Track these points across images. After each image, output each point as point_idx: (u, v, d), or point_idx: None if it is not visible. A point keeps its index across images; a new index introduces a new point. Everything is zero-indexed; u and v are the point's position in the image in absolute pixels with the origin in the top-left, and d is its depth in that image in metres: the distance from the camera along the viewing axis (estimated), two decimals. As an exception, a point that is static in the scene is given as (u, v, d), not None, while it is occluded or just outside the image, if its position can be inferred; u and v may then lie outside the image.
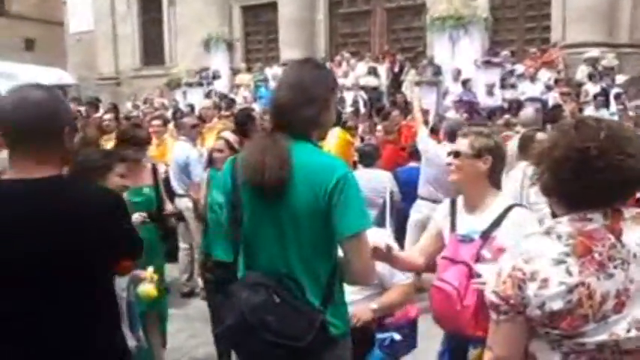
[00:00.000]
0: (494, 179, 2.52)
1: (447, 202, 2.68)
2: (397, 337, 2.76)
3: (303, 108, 1.95)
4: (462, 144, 2.52)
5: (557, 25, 13.18)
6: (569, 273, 1.46)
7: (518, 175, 4.30)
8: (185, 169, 5.63)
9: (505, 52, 13.05)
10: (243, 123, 5.64)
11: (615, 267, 1.48)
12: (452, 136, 5.36)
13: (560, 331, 1.47)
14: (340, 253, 1.96)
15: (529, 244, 1.55)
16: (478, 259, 2.31)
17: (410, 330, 2.89)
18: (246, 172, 1.93)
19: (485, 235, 2.35)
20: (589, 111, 10.15)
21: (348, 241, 1.89)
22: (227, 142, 3.87)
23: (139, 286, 2.90)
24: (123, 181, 2.84)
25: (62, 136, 1.74)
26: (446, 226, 2.57)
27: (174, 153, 5.99)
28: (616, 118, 8.71)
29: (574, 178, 1.53)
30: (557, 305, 1.45)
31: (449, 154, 2.59)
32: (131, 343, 2.69)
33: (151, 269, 2.98)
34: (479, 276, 2.25)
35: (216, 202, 3.79)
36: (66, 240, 1.64)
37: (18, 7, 26.49)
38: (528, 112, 6.66)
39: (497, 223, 2.37)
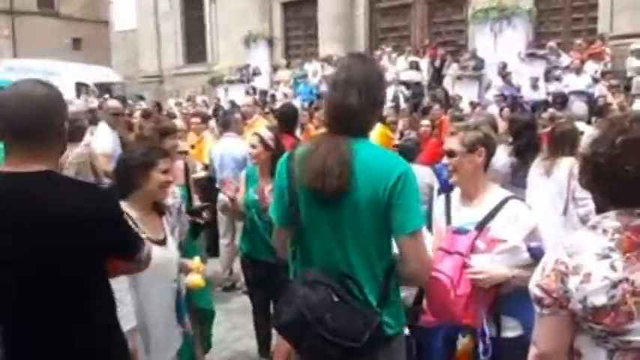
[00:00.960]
0: (486, 169, 2.54)
1: (442, 197, 2.69)
2: (406, 331, 2.75)
3: (369, 112, 1.95)
4: (453, 142, 2.50)
5: (605, 15, 12.77)
6: (613, 268, 1.43)
7: (564, 173, 4.22)
8: (242, 165, 5.53)
9: (551, 44, 12.71)
10: (293, 117, 5.69)
11: None
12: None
13: (604, 327, 1.45)
14: (395, 250, 1.95)
15: (574, 238, 1.54)
16: (473, 250, 2.33)
17: None
18: (306, 176, 1.91)
19: (480, 227, 2.36)
20: (639, 104, 9.81)
21: (406, 240, 1.88)
22: (261, 138, 3.88)
23: (186, 277, 2.95)
24: (166, 176, 2.84)
25: (61, 132, 1.76)
26: (443, 221, 2.59)
27: (227, 149, 5.97)
28: (667, 111, 8.38)
29: (595, 180, 1.53)
30: (599, 300, 1.43)
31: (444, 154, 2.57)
32: (176, 331, 2.74)
33: (197, 259, 3.02)
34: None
35: (251, 200, 3.83)
36: (47, 239, 1.65)
37: (67, 8, 27.36)
38: (579, 106, 6.48)
39: (492, 214, 2.38)
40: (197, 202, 4.20)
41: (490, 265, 2.30)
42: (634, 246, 1.45)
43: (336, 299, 1.83)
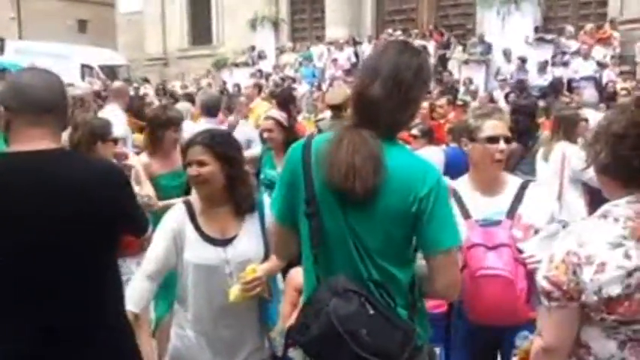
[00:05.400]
0: None
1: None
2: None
3: (399, 110, 1.71)
4: (503, 128, 2.37)
5: (615, -1, 12.60)
6: (627, 257, 1.41)
7: (558, 156, 4.30)
8: (247, 148, 5.55)
9: (569, 27, 12.53)
10: (290, 100, 5.74)
11: None
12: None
13: (617, 317, 1.43)
14: (419, 263, 1.80)
15: (583, 227, 1.51)
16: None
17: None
18: (331, 174, 1.67)
19: (511, 214, 2.26)
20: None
21: (440, 257, 1.70)
22: (277, 121, 3.84)
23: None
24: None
25: (66, 113, 1.84)
26: (458, 216, 2.35)
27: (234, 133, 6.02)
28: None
29: (632, 155, 1.47)
30: (614, 291, 1.40)
31: (493, 140, 2.33)
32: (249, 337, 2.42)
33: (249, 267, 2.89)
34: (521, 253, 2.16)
35: (268, 178, 3.84)
36: (73, 209, 1.69)
37: (72, -11, 27.20)
38: (591, 92, 6.46)
39: (518, 200, 2.30)
40: None
41: (543, 252, 2.15)
42: None
43: (371, 312, 1.64)
